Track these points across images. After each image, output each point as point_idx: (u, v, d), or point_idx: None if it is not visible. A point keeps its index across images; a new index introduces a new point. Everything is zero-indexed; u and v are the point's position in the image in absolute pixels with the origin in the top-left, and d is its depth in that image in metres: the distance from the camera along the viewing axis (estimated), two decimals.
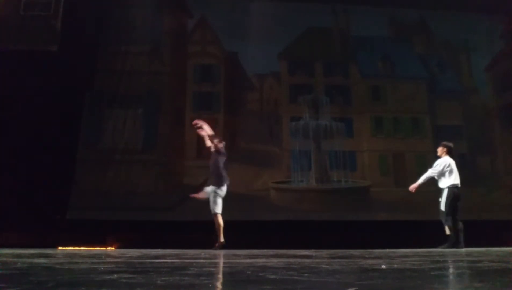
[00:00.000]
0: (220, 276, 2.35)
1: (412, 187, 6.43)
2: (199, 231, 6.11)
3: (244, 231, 7.84)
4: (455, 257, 4.04)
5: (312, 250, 5.64)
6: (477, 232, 8.13)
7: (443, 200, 6.22)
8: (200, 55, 10.48)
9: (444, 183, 6.29)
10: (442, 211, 6.22)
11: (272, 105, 10.33)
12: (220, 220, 6.18)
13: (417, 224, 8.55)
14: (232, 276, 2.32)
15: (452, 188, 6.21)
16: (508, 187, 9.82)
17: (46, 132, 8.29)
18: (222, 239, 6.15)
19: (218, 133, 9.81)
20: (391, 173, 9.84)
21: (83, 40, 9.30)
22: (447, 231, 6.18)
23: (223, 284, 2.04)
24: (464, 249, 5.92)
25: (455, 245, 6.07)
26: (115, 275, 2.23)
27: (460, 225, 6.23)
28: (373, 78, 10.74)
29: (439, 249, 5.92)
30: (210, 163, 6.37)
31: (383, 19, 11.07)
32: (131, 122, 9.50)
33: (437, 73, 10.93)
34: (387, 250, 6.30)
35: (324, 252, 5.11)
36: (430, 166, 6.62)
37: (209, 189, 6.25)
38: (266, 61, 10.38)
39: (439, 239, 7.15)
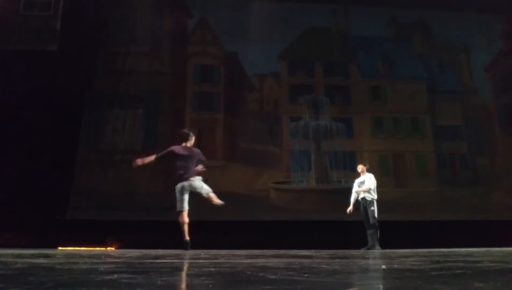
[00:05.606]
0: (220, 276, 2.35)
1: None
2: (199, 231, 6.08)
3: (244, 231, 7.85)
4: (455, 257, 4.04)
5: (312, 250, 5.64)
6: (477, 232, 8.15)
7: (376, 210, 6.76)
8: (200, 56, 10.47)
9: (373, 195, 6.89)
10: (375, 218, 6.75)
11: (272, 105, 10.33)
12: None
13: (417, 224, 8.56)
14: (232, 276, 2.32)
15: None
16: (508, 187, 9.82)
17: (46, 132, 8.28)
18: (187, 237, 5.60)
19: (218, 133, 9.82)
20: (391, 173, 9.81)
21: (83, 40, 9.30)
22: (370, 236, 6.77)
23: (223, 284, 2.04)
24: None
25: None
26: (115, 275, 2.23)
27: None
28: (373, 78, 10.73)
29: (361, 250, 6.36)
30: (193, 154, 5.97)
31: (383, 19, 11.07)
32: (131, 122, 9.50)
33: (437, 73, 10.93)
34: (387, 250, 6.32)
35: (324, 252, 5.11)
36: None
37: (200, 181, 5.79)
38: (266, 61, 10.37)
39: (438, 239, 7.16)
